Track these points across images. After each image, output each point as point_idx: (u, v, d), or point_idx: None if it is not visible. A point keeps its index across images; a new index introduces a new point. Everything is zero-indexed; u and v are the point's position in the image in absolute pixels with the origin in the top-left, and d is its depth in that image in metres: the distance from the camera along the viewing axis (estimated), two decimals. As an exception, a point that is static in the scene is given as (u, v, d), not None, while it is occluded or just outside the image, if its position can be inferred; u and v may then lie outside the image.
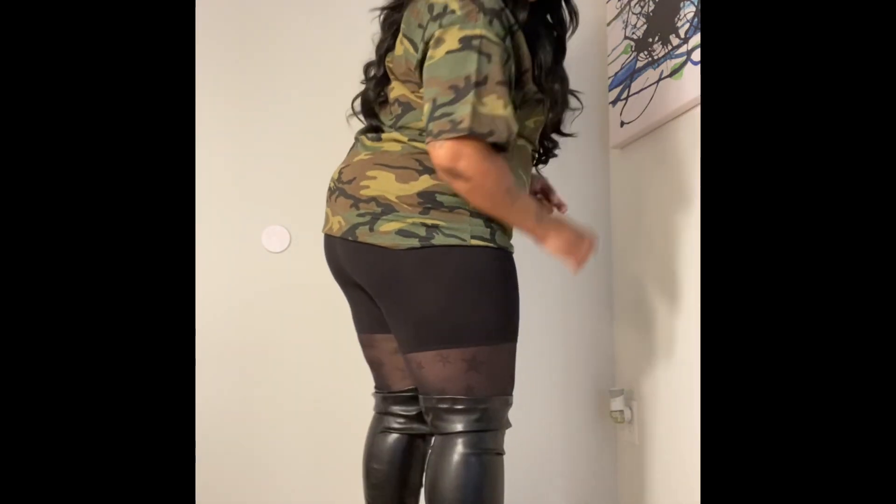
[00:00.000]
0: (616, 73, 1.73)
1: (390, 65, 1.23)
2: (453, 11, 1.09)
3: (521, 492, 1.76)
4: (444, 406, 1.18)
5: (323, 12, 1.82)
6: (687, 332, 1.45)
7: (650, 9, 1.56)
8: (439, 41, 1.10)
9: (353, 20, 1.79)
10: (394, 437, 1.33)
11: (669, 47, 1.46)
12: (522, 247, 1.83)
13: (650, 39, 1.55)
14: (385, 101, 1.26)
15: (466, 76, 1.08)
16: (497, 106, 1.09)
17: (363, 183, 1.20)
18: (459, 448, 1.16)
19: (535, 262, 1.86)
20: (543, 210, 1.22)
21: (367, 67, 1.33)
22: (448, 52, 1.09)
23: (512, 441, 1.27)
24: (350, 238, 1.20)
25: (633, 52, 1.64)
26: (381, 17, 1.29)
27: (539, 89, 1.20)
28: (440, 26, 1.10)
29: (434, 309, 1.15)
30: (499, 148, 1.12)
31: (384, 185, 1.18)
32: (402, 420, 1.33)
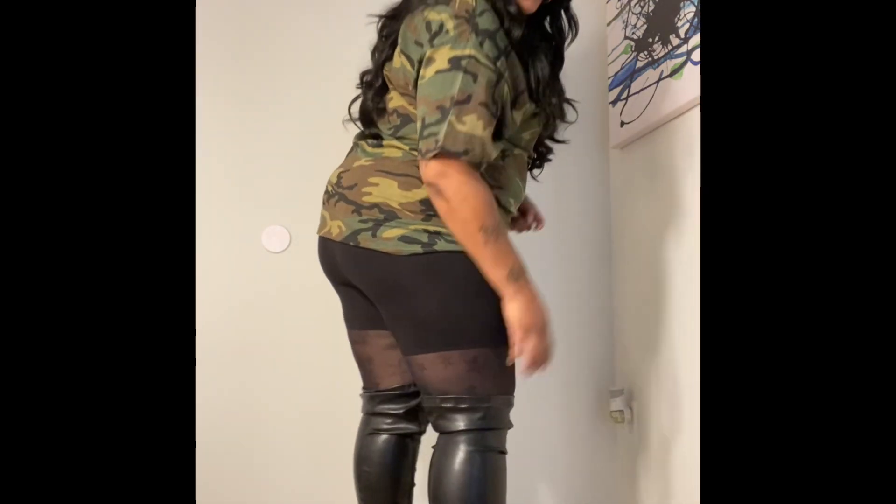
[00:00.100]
0: (616, 73, 1.73)
1: (388, 74, 1.24)
2: (447, 32, 1.11)
3: (520, 491, 1.76)
4: (448, 405, 1.19)
5: (323, 12, 1.81)
6: (687, 332, 1.45)
7: (650, 9, 1.56)
8: (430, 60, 1.11)
9: (352, 20, 1.78)
10: (383, 438, 1.33)
11: (669, 47, 1.46)
12: (523, 247, 1.83)
13: (650, 39, 1.55)
14: (384, 110, 1.26)
15: (451, 96, 1.09)
16: (477, 126, 1.09)
17: (365, 189, 1.21)
18: (463, 446, 1.17)
19: (535, 262, 1.86)
20: (525, 272, 1.16)
21: (363, 75, 1.33)
22: (437, 72, 1.10)
23: (512, 441, 1.27)
24: (351, 243, 1.21)
25: (633, 52, 1.64)
26: (379, 25, 1.29)
27: (536, 105, 1.20)
28: (432, 46, 1.11)
29: (436, 312, 1.16)
30: (475, 165, 1.12)
31: (386, 192, 1.19)
32: (389, 420, 1.33)
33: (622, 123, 1.69)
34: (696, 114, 1.41)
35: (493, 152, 1.14)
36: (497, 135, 1.16)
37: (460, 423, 1.18)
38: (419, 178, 1.17)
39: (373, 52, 1.30)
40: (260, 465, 1.75)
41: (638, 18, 1.62)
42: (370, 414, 1.35)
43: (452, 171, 1.10)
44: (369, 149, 1.26)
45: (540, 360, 1.19)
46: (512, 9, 1.14)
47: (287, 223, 1.76)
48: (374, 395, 1.35)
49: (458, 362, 1.17)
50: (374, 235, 1.18)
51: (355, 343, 1.37)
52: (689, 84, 1.38)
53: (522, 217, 1.49)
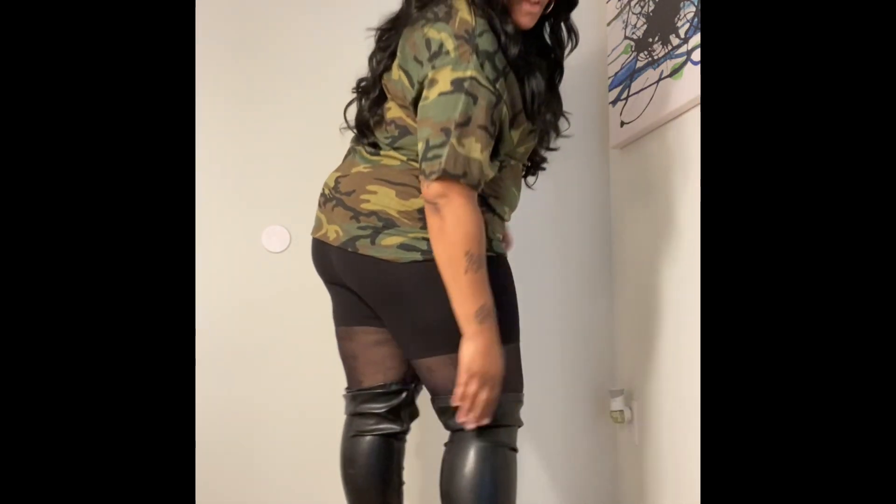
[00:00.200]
0: (616, 73, 1.73)
1: (387, 84, 1.25)
2: (447, 52, 1.11)
3: (521, 491, 1.76)
4: (458, 405, 1.20)
5: (323, 12, 1.81)
6: (687, 331, 1.45)
7: (650, 9, 1.56)
8: (433, 82, 1.12)
9: (352, 21, 1.78)
10: (367, 440, 1.33)
11: (669, 47, 1.46)
12: (523, 247, 1.84)
13: (650, 39, 1.55)
14: (381, 120, 1.27)
15: (454, 119, 1.10)
16: (475, 149, 1.11)
17: (363, 197, 1.22)
18: (475, 442, 1.19)
19: (535, 262, 1.86)
20: (492, 316, 1.14)
21: (359, 82, 1.33)
22: (440, 94, 1.11)
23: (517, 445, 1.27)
24: (349, 249, 1.22)
25: (633, 52, 1.64)
26: (376, 36, 1.29)
27: (531, 122, 1.21)
28: (433, 67, 1.12)
29: (440, 317, 1.17)
30: (474, 187, 1.13)
31: (385, 200, 1.21)
32: (372, 421, 1.33)
33: (622, 123, 1.69)
34: (696, 114, 1.41)
35: (491, 172, 1.16)
36: (494, 153, 1.17)
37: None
38: (416, 188, 1.18)
39: (370, 61, 1.30)
40: (259, 464, 1.75)
41: (638, 18, 1.62)
42: (353, 415, 1.36)
43: (453, 193, 1.11)
44: (367, 155, 1.27)
45: (480, 411, 1.15)
46: (509, 28, 1.14)
47: (287, 223, 1.76)
48: (356, 394, 1.35)
49: None
50: (372, 243, 1.20)
51: (342, 339, 1.38)
52: (689, 84, 1.38)
53: None
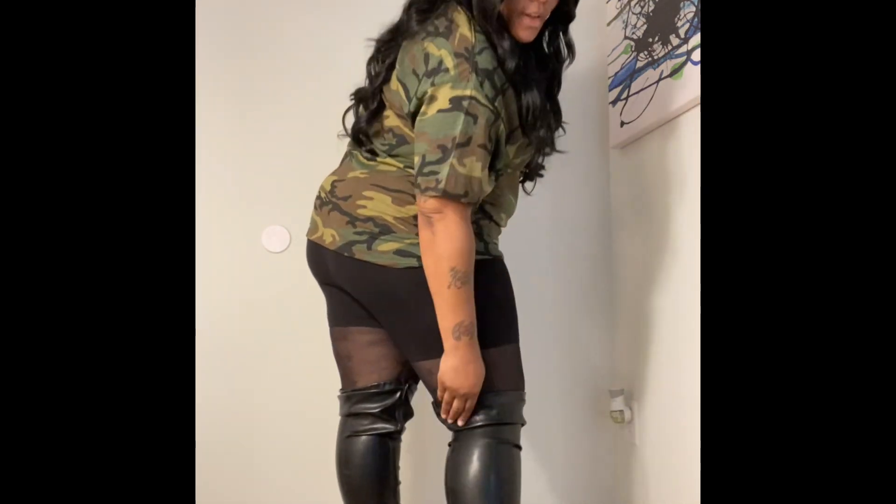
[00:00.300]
0: (616, 73, 1.73)
1: (387, 95, 1.25)
2: (447, 70, 1.12)
3: (521, 491, 1.76)
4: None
5: (323, 13, 1.81)
6: (687, 332, 1.45)
7: (650, 9, 1.56)
8: (432, 98, 1.13)
9: (353, 21, 1.79)
10: (362, 440, 1.33)
11: (669, 47, 1.46)
12: (523, 247, 1.84)
13: (650, 39, 1.55)
14: (379, 129, 1.27)
15: (453, 137, 1.11)
16: (475, 168, 1.12)
17: (360, 202, 1.23)
18: (480, 440, 1.21)
19: (535, 261, 1.86)
20: (473, 333, 1.17)
21: (357, 92, 1.33)
22: (439, 111, 1.12)
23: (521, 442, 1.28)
24: (345, 254, 1.23)
25: (633, 52, 1.64)
26: (376, 47, 1.29)
27: (526, 136, 1.21)
28: (433, 84, 1.13)
29: (436, 321, 1.17)
30: (471, 204, 1.15)
31: (381, 206, 1.22)
32: (367, 421, 1.34)
33: (622, 123, 1.69)
34: (696, 114, 1.41)
35: (489, 188, 1.17)
36: (490, 166, 1.18)
37: (476, 418, 1.21)
38: (412, 195, 1.19)
39: (369, 68, 1.30)
40: (260, 464, 1.75)
41: (638, 18, 1.62)
42: (347, 416, 1.36)
43: (449, 210, 1.13)
44: (364, 160, 1.27)
45: (454, 416, 1.22)
46: (506, 44, 1.14)
47: (287, 223, 1.76)
48: (350, 394, 1.36)
49: None
50: (369, 248, 1.21)
51: (336, 340, 1.38)
52: (689, 84, 1.38)
53: None
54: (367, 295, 1.26)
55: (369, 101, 1.27)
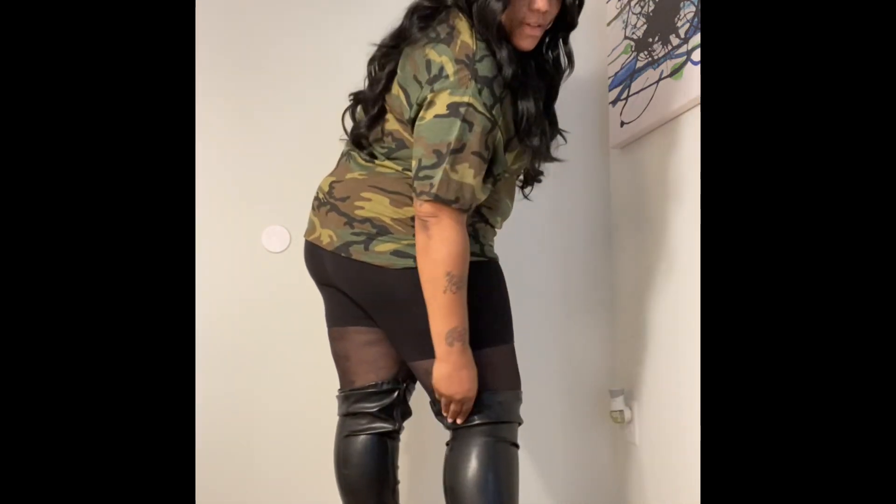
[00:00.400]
0: (616, 73, 1.73)
1: (388, 100, 1.25)
2: (447, 76, 1.13)
3: (520, 491, 1.76)
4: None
5: (323, 14, 1.81)
6: (687, 332, 1.45)
7: (650, 9, 1.56)
8: (430, 104, 1.13)
9: (353, 22, 1.79)
10: (360, 439, 1.33)
11: (669, 47, 1.46)
12: (523, 247, 1.84)
13: (650, 39, 1.55)
14: (379, 133, 1.27)
15: (448, 142, 1.11)
16: (468, 175, 1.13)
17: (357, 203, 1.24)
18: (478, 438, 1.21)
19: (535, 261, 1.86)
20: (465, 338, 1.17)
21: (357, 93, 1.33)
22: (436, 116, 1.12)
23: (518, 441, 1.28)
24: (343, 254, 1.24)
25: (633, 52, 1.64)
26: (378, 52, 1.29)
27: (520, 143, 1.21)
28: (432, 90, 1.13)
29: None
30: (465, 210, 1.16)
31: (379, 207, 1.22)
32: (365, 421, 1.34)
33: (622, 123, 1.69)
34: (696, 114, 1.41)
35: (483, 196, 1.18)
36: (487, 173, 1.18)
37: (474, 418, 1.22)
38: (410, 197, 1.20)
39: (369, 72, 1.30)
40: (260, 464, 1.75)
41: (638, 18, 1.62)
42: (345, 415, 1.37)
43: (444, 214, 1.13)
44: (362, 162, 1.28)
45: (453, 417, 1.23)
46: (505, 53, 1.14)
47: (287, 223, 1.76)
48: (348, 394, 1.36)
49: None
50: (366, 249, 1.21)
51: (334, 340, 1.39)
52: (689, 84, 1.38)
53: None
54: (365, 295, 1.26)
55: (370, 106, 1.27)
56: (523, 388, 1.31)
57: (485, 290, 1.24)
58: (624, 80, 1.68)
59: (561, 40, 1.28)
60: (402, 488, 1.42)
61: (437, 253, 1.13)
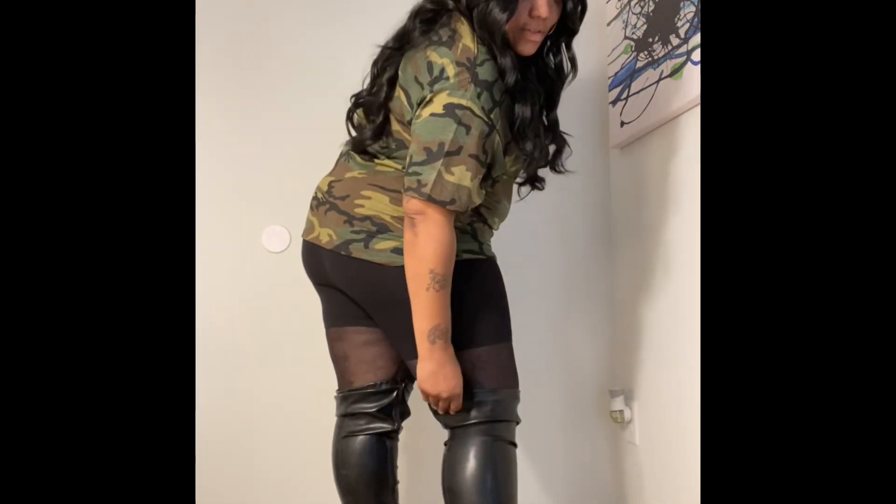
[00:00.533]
0: (616, 73, 1.73)
1: (391, 105, 1.24)
2: (447, 77, 1.13)
3: (520, 491, 1.76)
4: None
5: (323, 14, 1.82)
6: (687, 332, 1.45)
7: (650, 9, 1.56)
8: (428, 102, 1.14)
9: (353, 22, 1.79)
10: (359, 439, 1.34)
11: (669, 47, 1.46)
12: (523, 247, 1.84)
13: (650, 39, 1.55)
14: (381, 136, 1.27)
15: (441, 142, 1.12)
16: (465, 177, 1.13)
17: (357, 202, 1.24)
18: (475, 437, 1.21)
19: (535, 261, 1.86)
20: (447, 337, 1.17)
21: (358, 95, 1.32)
22: (432, 115, 1.13)
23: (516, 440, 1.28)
24: (342, 252, 1.24)
25: (633, 52, 1.64)
26: (381, 54, 1.28)
27: (515, 145, 1.21)
28: (432, 90, 1.14)
29: None
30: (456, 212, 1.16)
31: (379, 205, 1.22)
32: (363, 421, 1.34)
33: (622, 123, 1.69)
34: (696, 114, 1.41)
35: (480, 199, 1.18)
36: (486, 176, 1.18)
37: (471, 416, 1.22)
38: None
39: (372, 72, 1.30)
40: (259, 465, 1.75)
41: (638, 18, 1.62)
42: (344, 416, 1.37)
43: (432, 212, 1.13)
44: (362, 161, 1.27)
45: (444, 411, 1.24)
46: (507, 60, 1.15)
47: (287, 223, 1.76)
48: (347, 394, 1.36)
49: (461, 362, 1.21)
50: (366, 246, 1.22)
51: (333, 341, 1.39)
52: (689, 84, 1.38)
53: None
54: (364, 293, 1.26)
55: (374, 114, 1.26)
56: (523, 387, 1.31)
57: (483, 288, 1.24)
58: (624, 80, 1.68)
59: (563, 45, 1.28)
60: (402, 488, 1.42)
61: (423, 250, 1.13)
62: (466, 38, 1.15)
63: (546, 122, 1.29)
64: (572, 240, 1.87)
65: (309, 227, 1.33)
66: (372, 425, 1.33)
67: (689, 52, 1.38)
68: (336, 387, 1.42)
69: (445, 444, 1.27)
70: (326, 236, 1.26)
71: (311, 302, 1.53)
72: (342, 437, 1.35)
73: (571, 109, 1.39)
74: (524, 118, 1.18)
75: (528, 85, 1.20)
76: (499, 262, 1.34)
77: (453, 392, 1.19)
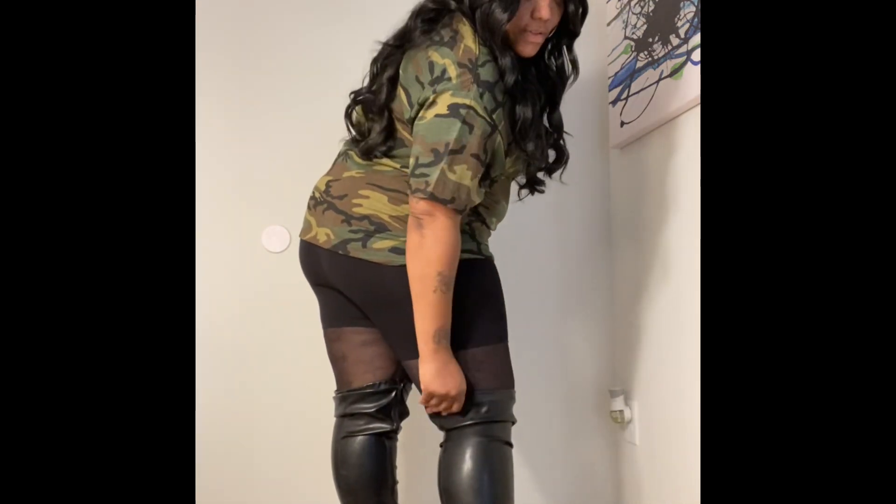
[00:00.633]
0: (616, 73, 1.73)
1: (393, 107, 1.24)
2: (449, 78, 1.13)
3: (520, 491, 1.76)
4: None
5: (323, 14, 1.82)
6: (687, 331, 1.45)
7: (650, 9, 1.56)
8: (432, 104, 1.14)
9: (353, 22, 1.79)
10: (358, 440, 1.33)
11: (669, 47, 1.46)
12: (523, 247, 1.84)
13: (650, 39, 1.55)
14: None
15: (446, 142, 1.12)
16: (465, 176, 1.13)
17: (355, 201, 1.24)
18: (471, 438, 1.21)
19: (534, 261, 1.86)
20: (448, 338, 1.18)
21: (357, 93, 1.32)
22: (436, 116, 1.13)
23: (512, 440, 1.28)
24: (340, 252, 1.24)
25: (633, 52, 1.64)
26: (382, 52, 1.28)
27: (516, 147, 1.22)
28: (435, 91, 1.14)
29: None
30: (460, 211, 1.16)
31: (377, 204, 1.23)
32: (362, 421, 1.34)
33: (622, 123, 1.69)
34: (696, 114, 1.41)
35: (479, 198, 1.18)
36: (485, 176, 1.18)
37: (467, 417, 1.22)
38: (408, 194, 1.20)
39: (372, 71, 1.30)
40: (260, 464, 1.75)
41: (638, 18, 1.62)
42: (343, 416, 1.37)
43: (439, 213, 1.14)
44: (359, 160, 1.27)
45: (444, 412, 1.23)
46: (508, 60, 1.15)
47: (287, 223, 1.76)
48: (346, 395, 1.36)
49: (457, 362, 1.21)
50: (364, 246, 1.22)
51: (331, 341, 1.39)
52: (689, 84, 1.38)
53: None
54: (361, 293, 1.26)
55: (377, 116, 1.26)
56: (523, 388, 1.31)
57: (481, 288, 1.24)
58: (624, 80, 1.68)
59: (565, 48, 1.28)
60: (401, 488, 1.42)
61: (431, 251, 1.13)
62: (468, 38, 1.15)
63: (549, 124, 1.29)
64: (572, 240, 1.87)
65: (306, 227, 1.33)
66: (371, 425, 1.33)
67: (689, 52, 1.38)
68: (335, 387, 1.42)
69: (441, 446, 1.26)
70: (324, 236, 1.26)
71: (311, 302, 1.53)
72: (341, 437, 1.35)
73: (571, 109, 1.39)
74: (525, 119, 1.18)
75: (528, 86, 1.20)
76: (499, 261, 1.34)
77: (460, 389, 1.19)
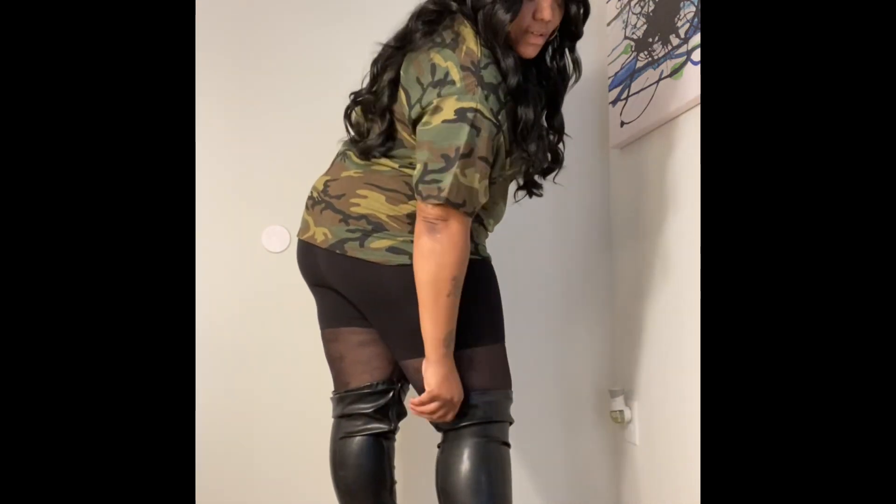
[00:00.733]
0: (616, 73, 1.73)
1: (395, 108, 1.24)
2: (453, 82, 1.13)
3: (520, 491, 1.76)
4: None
5: (323, 14, 1.82)
6: (687, 332, 1.45)
7: (650, 9, 1.56)
8: (437, 109, 1.13)
9: (353, 22, 1.79)
10: (356, 440, 1.33)
11: (669, 47, 1.46)
12: (523, 247, 1.84)
13: (650, 39, 1.55)
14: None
15: (457, 147, 1.12)
16: (474, 179, 1.14)
17: (353, 200, 1.24)
18: (468, 438, 1.21)
19: (534, 262, 1.86)
20: (453, 345, 1.18)
21: (357, 93, 1.32)
22: (444, 122, 1.13)
23: (511, 440, 1.28)
24: (338, 251, 1.24)
25: (633, 52, 1.64)
26: (384, 54, 1.27)
27: (518, 148, 1.21)
28: (439, 95, 1.14)
29: None
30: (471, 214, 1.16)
31: (375, 204, 1.22)
32: (360, 422, 1.34)
33: (622, 123, 1.69)
34: (696, 114, 1.41)
35: (485, 199, 1.18)
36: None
37: (464, 418, 1.22)
38: (406, 194, 1.21)
39: (372, 72, 1.29)
40: (260, 464, 1.75)
41: (638, 18, 1.62)
42: (340, 417, 1.37)
43: (453, 218, 1.14)
44: (357, 160, 1.27)
45: (437, 418, 1.22)
46: (510, 62, 1.15)
47: (287, 223, 1.76)
48: (343, 395, 1.36)
49: (455, 362, 1.21)
50: (361, 245, 1.22)
51: (328, 342, 1.39)
52: (689, 84, 1.38)
53: None
54: (358, 293, 1.26)
55: (375, 115, 1.26)
56: (523, 388, 1.31)
57: (479, 289, 1.24)
58: (624, 80, 1.68)
59: (567, 49, 1.28)
60: (399, 488, 1.42)
61: (446, 256, 1.13)
62: (470, 40, 1.15)
63: (551, 125, 1.29)
64: (572, 240, 1.87)
65: (304, 227, 1.32)
66: (369, 426, 1.33)
67: (689, 52, 1.38)
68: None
69: (439, 447, 1.26)
70: (322, 235, 1.26)
71: (311, 302, 1.53)
72: (339, 437, 1.35)
73: (571, 109, 1.39)
74: (527, 120, 1.18)
75: (529, 87, 1.20)
76: (499, 261, 1.34)
77: (461, 396, 1.20)
